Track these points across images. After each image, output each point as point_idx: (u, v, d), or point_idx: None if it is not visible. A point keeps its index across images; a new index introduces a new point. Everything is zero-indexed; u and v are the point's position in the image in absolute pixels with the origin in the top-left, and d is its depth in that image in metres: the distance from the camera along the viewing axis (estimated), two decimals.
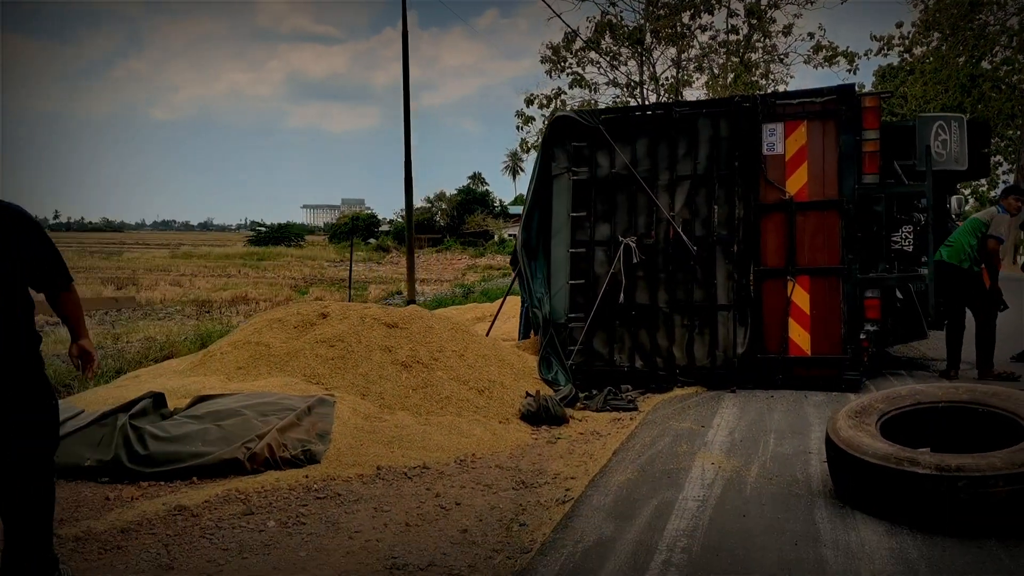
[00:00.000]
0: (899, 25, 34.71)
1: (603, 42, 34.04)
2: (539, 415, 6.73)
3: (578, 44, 33.34)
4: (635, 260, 8.19)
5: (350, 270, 15.48)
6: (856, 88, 7.76)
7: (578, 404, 7.40)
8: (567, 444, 6.21)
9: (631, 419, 6.99)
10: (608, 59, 34.21)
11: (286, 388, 6.44)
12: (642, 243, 8.24)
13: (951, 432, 4.84)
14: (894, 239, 7.89)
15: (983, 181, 38.78)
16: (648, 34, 33.77)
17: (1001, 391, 4.76)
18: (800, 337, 7.82)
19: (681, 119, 8.22)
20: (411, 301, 13.78)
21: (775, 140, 7.91)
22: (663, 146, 8.25)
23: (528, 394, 6.99)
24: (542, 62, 33.68)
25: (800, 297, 7.82)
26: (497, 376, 7.21)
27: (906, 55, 36.27)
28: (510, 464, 5.66)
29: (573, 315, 8.36)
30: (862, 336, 7.66)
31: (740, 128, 7.98)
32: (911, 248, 7.83)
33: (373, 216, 76.32)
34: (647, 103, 30.40)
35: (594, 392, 7.72)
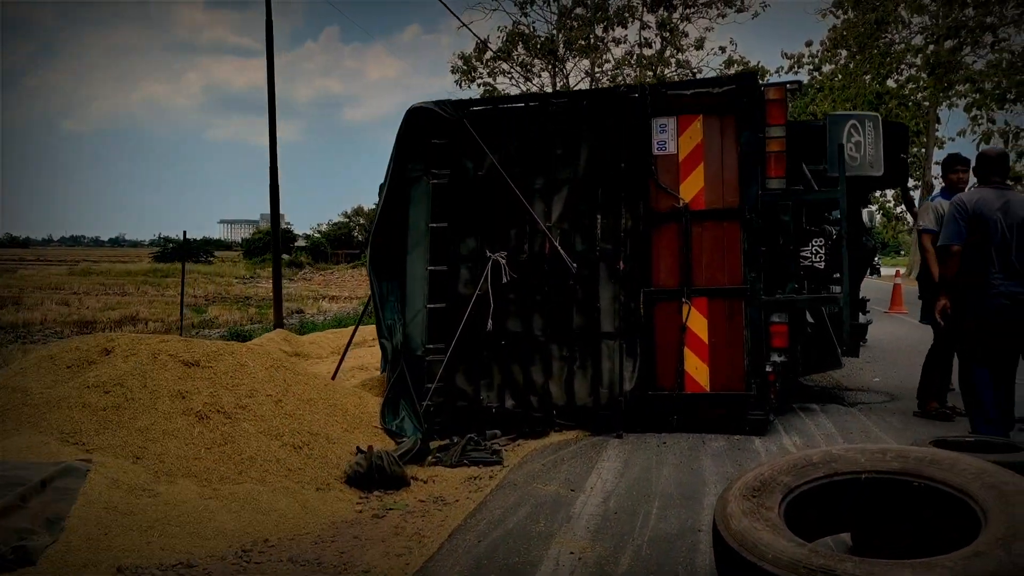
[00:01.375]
0: (808, 44, 34.71)
1: (515, 53, 33.00)
2: (370, 477, 5.28)
3: (489, 54, 32.23)
4: (506, 279, 6.82)
5: (181, 293, 13.68)
6: (759, 77, 6.59)
7: (429, 458, 5.97)
8: (398, 518, 4.77)
9: (491, 477, 5.59)
10: (521, 70, 33.16)
11: (29, 452, 4.84)
12: (515, 259, 6.88)
13: (879, 511, 3.60)
14: (803, 254, 6.72)
15: (889, 196, 38.92)
16: (561, 45, 32.85)
17: (942, 457, 3.51)
18: (698, 370, 6.57)
19: (559, 112, 6.91)
20: (279, 324, 12.16)
21: (667, 137, 6.67)
22: (539, 144, 6.93)
23: (359, 450, 5.52)
24: (452, 72, 32.45)
25: (697, 323, 6.57)
26: (323, 427, 5.72)
27: (815, 73, 36.29)
28: (311, 555, 4.19)
29: (432, 346, 6.93)
30: (768, 368, 6.45)
31: (627, 123, 6.72)
32: (823, 264, 6.67)
33: (288, 231, 73.96)
34: None
35: (454, 440, 6.31)
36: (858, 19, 31.97)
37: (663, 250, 6.64)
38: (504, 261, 6.84)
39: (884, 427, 6.70)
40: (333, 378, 7.31)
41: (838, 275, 6.56)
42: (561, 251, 6.74)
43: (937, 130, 36.81)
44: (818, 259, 6.64)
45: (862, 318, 8.65)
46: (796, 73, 33.85)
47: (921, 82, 31.86)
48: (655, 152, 6.66)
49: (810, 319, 7.18)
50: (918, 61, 30.67)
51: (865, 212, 15.78)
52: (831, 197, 6.54)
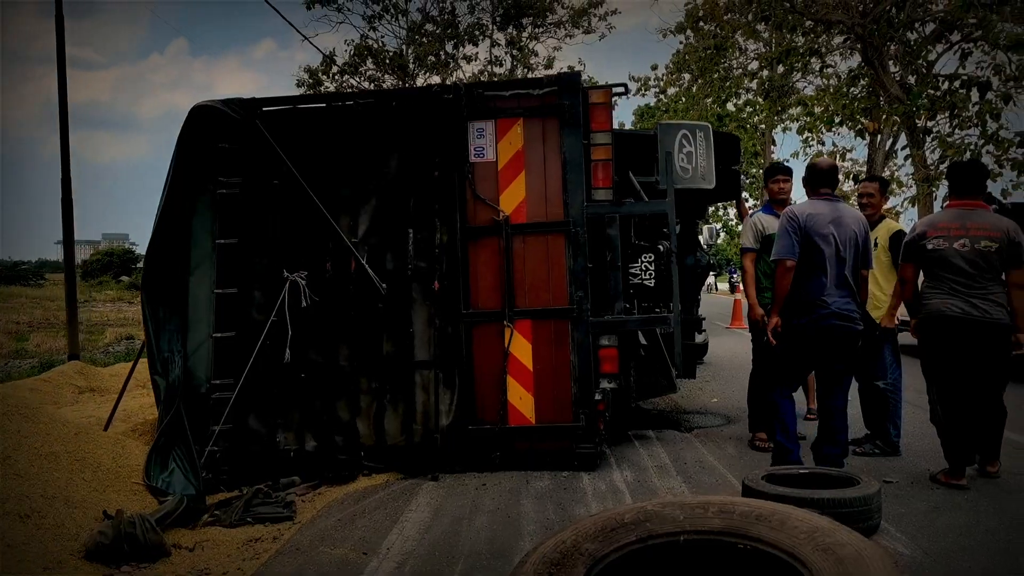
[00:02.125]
0: (654, 67, 35.53)
1: (364, 67, 32.00)
2: (118, 548, 4.26)
3: (336, 69, 31.12)
4: (306, 303, 5.94)
5: None
6: (583, 78, 6.04)
7: (206, 516, 5.00)
8: None
9: (275, 538, 4.69)
10: (370, 84, 32.16)
11: None
12: (316, 280, 6.01)
13: None
14: (632, 271, 6.19)
15: (731, 214, 40.27)
16: (411, 61, 32.12)
17: (770, 512, 2.93)
18: (522, 401, 5.90)
19: (366, 114, 6.12)
20: (73, 356, 10.70)
21: (485, 143, 5.99)
22: (344, 150, 6.10)
23: (106, 515, 4.50)
24: (298, 86, 31.07)
25: (521, 348, 5.90)
26: (64, 487, 4.66)
27: (661, 95, 37.18)
28: None
29: (219, 381, 5.93)
30: (598, 397, 5.85)
31: (441, 127, 6.00)
32: (653, 282, 6.16)
33: (129, 252, 69.61)
34: None
35: (244, 491, 5.37)
36: (699, 44, 32.99)
37: (483, 268, 5.94)
38: (304, 282, 5.95)
39: (720, 456, 6.24)
40: (106, 427, 6.18)
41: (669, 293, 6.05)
42: (369, 270, 5.92)
43: (773, 152, 38.47)
44: (648, 276, 6.13)
45: (699, 337, 8.29)
46: (643, 95, 34.55)
47: (757, 106, 33.09)
48: (472, 159, 5.97)
49: (643, 341, 6.67)
50: (754, 85, 31.88)
51: (707, 228, 15.79)
52: (659, 210, 6.04)
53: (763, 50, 30.79)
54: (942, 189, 21.07)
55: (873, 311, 6.19)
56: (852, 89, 24.36)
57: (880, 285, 6.21)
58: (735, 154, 7.52)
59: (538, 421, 5.88)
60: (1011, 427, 6.78)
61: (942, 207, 5.82)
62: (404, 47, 31.15)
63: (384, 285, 5.92)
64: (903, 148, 24.63)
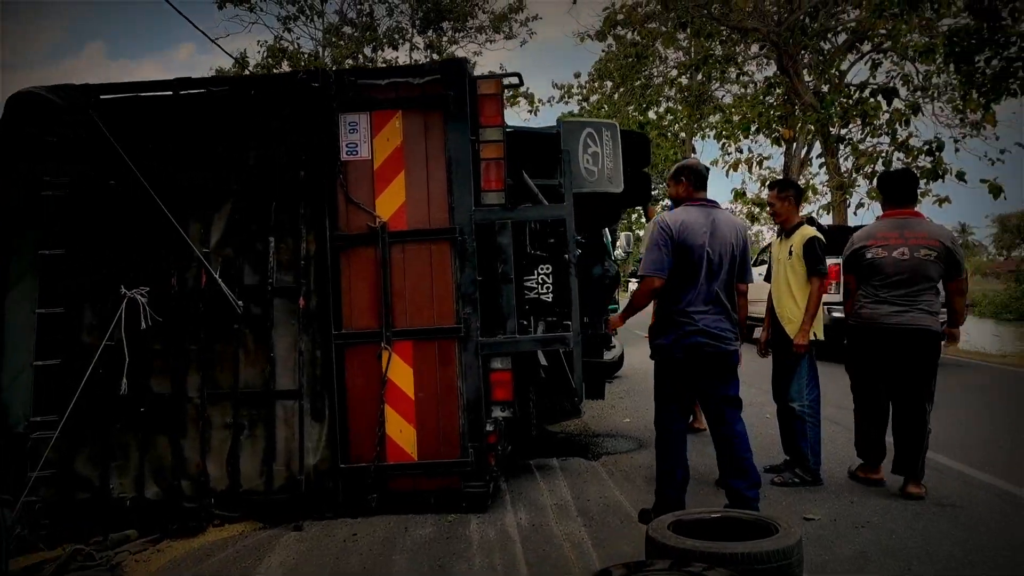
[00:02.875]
0: (577, 75, 35.33)
1: (278, 69, 30.78)
2: None
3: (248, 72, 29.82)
4: (147, 324, 5.03)
5: None
6: (470, 66, 5.29)
7: None
8: None
9: None
10: None
11: None
12: (160, 297, 5.10)
13: None
14: (528, 284, 5.47)
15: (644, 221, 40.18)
16: (328, 63, 31.03)
17: None
18: (403, 434, 5.10)
19: (221, 104, 5.24)
20: None
21: (359, 139, 5.19)
22: (195, 145, 5.22)
23: None
24: None
25: (401, 373, 5.11)
26: None
27: (584, 103, 36.94)
28: None
29: (40, 418, 4.96)
30: (489, 427, 5.11)
31: (308, 120, 5.18)
32: (551, 296, 5.45)
33: None
34: None
35: (66, 550, 4.44)
36: (620, 52, 32.76)
37: (356, 282, 5.13)
38: (145, 299, 5.04)
39: (628, 491, 5.56)
40: None
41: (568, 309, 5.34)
42: (222, 285, 5.05)
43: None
44: (545, 290, 5.41)
45: (609, 354, 7.63)
46: (567, 103, 34.15)
47: (678, 113, 33.01)
48: (344, 157, 5.16)
49: (543, 361, 5.95)
50: (674, 93, 31.78)
51: (623, 236, 15.23)
52: (556, 216, 5.34)
53: (683, 58, 30.65)
54: (856, 196, 21.13)
55: (788, 326, 5.60)
56: (768, 97, 24.35)
57: (795, 298, 5.63)
58: (645, 156, 6.89)
59: (421, 457, 5.09)
60: (938, 448, 6.34)
61: (876, 217, 5.76)
62: (321, 49, 30.05)
63: (240, 303, 5.06)
64: (818, 156, 24.71)
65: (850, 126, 21.17)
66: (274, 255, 5.12)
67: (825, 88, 23.05)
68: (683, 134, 36.17)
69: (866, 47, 23.78)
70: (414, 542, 4.58)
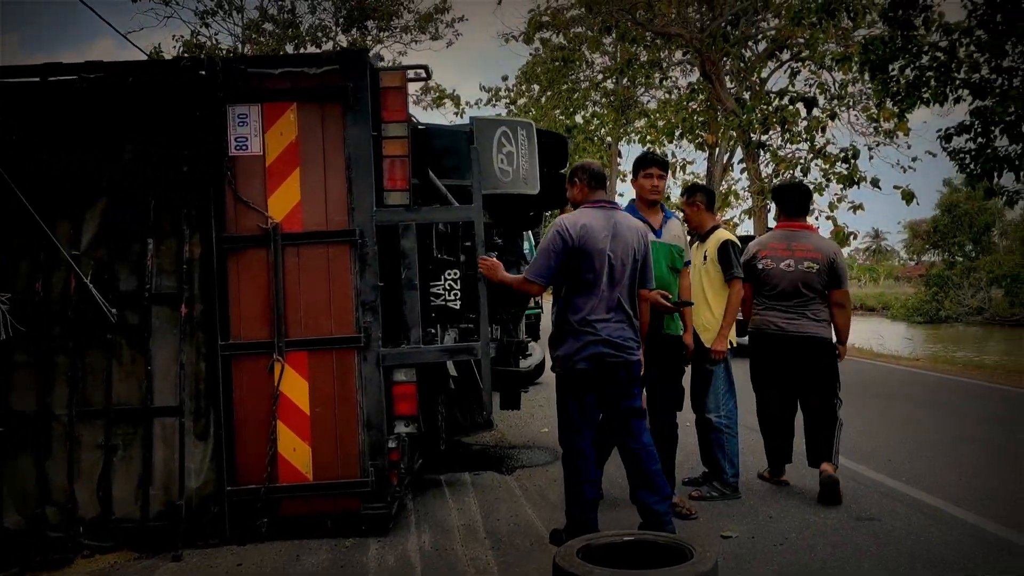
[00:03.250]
0: (504, 78, 35.11)
1: None
2: None
3: None
4: (7, 334, 4.50)
5: None
6: (372, 57, 4.91)
7: None
8: None
9: None
10: None
11: None
12: (24, 304, 4.58)
13: None
14: (435, 290, 5.12)
15: None
16: None
17: None
18: (296, 453, 4.69)
19: (95, 91, 4.74)
20: None
21: (249, 133, 4.76)
22: (66, 136, 4.71)
23: None
24: None
25: (295, 387, 4.70)
26: None
27: (512, 107, 36.74)
28: None
29: None
30: (391, 445, 4.74)
31: (192, 111, 4.73)
32: (458, 303, 5.11)
33: None
34: None
35: None
36: (547, 56, 32.67)
37: (247, 288, 4.70)
38: (6, 307, 4.52)
39: (541, 508, 5.27)
40: None
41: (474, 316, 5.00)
42: (93, 290, 4.55)
43: (619, 164, 38.67)
44: (453, 296, 5.07)
45: (526, 362, 7.34)
46: (495, 106, 33.88)
47: (603, 119, 33.07)
48: (233, 152, 4.72)
49: (453, 372, 5.62)
50: (599, 98, 31.82)
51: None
52: (464, 218, 5.01)
53: (609, 63, 30.76)
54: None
55: (704, 334, 5.40)
56: (691, 103, 24.54)
57: (710, 305, 5.43)
58: (563, 157, 6.62)
59: (317, 478, 4.69)
60: (856, 459, 6.23)
61: (773, 226, 6.03)
62: (240, 46, 29.08)
63: (114, 310, 4.58)
64: (739, 161, 25.01)
65: (770, 132, 21.43)
66: (153, 258, 4.65)
67: (746, 95, 23.35)
68: (609, 139, 36.31)
69: (785, 55, 24.17)
70: (305, 571, 4.18)
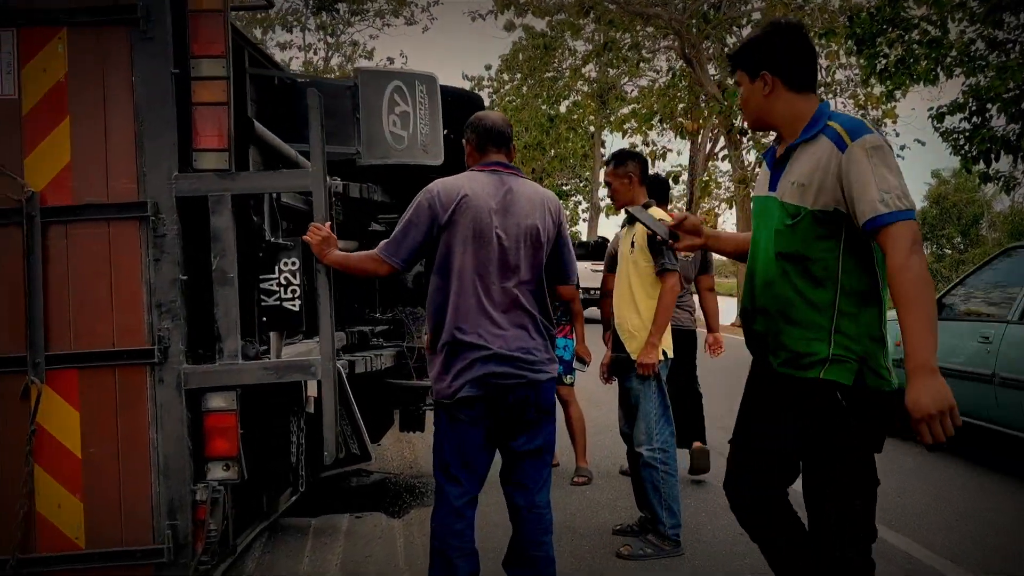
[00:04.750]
0: (488, 67, 33.95)
1: None
2: None
3: None
4: None
5: None
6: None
7: None
8: None
9: None
10: None
11: None
12: None
13: None
14: (267, 287, 3.76)
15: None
16: None
17: None
18: (63, 511, 3.35)
19: None
20: None
21: (6, 73, 3.42)
22: None
23: None
24: None
25: (60, 420, 3.36)
26: None
27: (494, 96, 35.63)
28: None
29: None
30: (199, 497, 3.42)
31: None
32: (297, 302, 3.75)
33: None
34: None
35: None
36: (529, 43, 31.35)
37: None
38: None
39: (423, 562, 3.97)
40: None
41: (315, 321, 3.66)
42: None
43: (603, 153, 37.32)
44: (291, 294, 3.71)
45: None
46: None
47: (587, 108, 31.79)
48: None
49: (312, 391, 4.28)
50: (581, 85, 30.54)
51: None
52: (297, 186, 3.68)
53: (589, 49, 29.36)
54: None
55: (629, 342, 4.10)
56: (671, 89, 23.22)
57: (637, 305, 4.13)
58: (463, 118, 5.27)
59: (91, 544, 3.35)
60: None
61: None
62: None
63: None
64: (721, 148, 23.72)
65: None
66: None
67: (730, 81, 21.91)
68: (592, 128, 35.01)
69: None
70: None
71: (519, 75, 34.00)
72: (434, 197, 3.19)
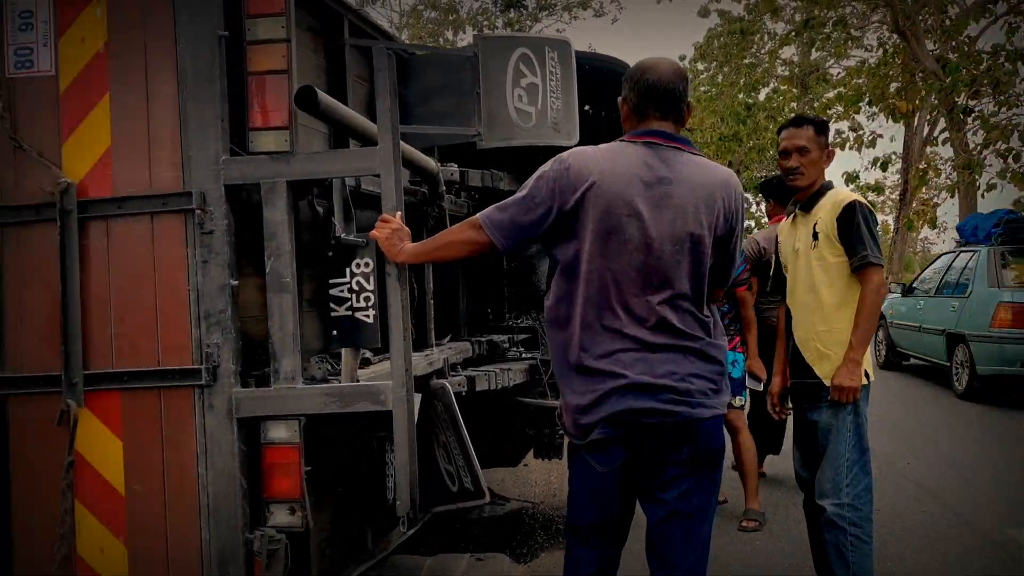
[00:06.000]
0: (682, 58, 32.44)
1: None
2: None
3: None
4: None
5: None
6: None
7: None
8: None
9: None
10: None
11: None
12: None
13: None
14: (338, 293, 3.03)
15: None
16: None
17: None
18: (105, 555, 2.82)
19: None
20: None
21: (34, 40, 2.93)
22: None
23: None
24: None
25: (102, 450, 2.83)
26: None
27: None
28: None
29: None
30: (255, 548, 2.78)
31: None
32: (371, 312, 2.99)
33: None
34: None
35: None
36: (724, 29, 29.53)
37: (27, 286, 2.90)
38: None
39: None
40: None
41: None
42: None
43: None
44: (363, 301, 2.96)
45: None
46: None
47: (785, 93, 29.52)
48: (11, 72, 2.92)
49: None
50: (782, 71, 28.34)
51: None
52: (363, 170, 2.89)
53: (787, 29, 27.11)
54: (986, 175, 17.32)
55: (818, 364, 3.00)
56: (884, 67, 20.70)
57: (825, 314, 3.03)
58: (613, 93, 4.36)
59: None
60: None
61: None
62: (399, 31, 28.32)
63: None
64: (942, 131, 20.89)
65: (980, 99, 17.46)
66: None
67: (952, 56, 19.17)
68: (792, 115, 32.51)
69: (1002, 6, 19.67)
70: None
71: (714, 64, 32.16)
72: (563, 171, 2.35)
